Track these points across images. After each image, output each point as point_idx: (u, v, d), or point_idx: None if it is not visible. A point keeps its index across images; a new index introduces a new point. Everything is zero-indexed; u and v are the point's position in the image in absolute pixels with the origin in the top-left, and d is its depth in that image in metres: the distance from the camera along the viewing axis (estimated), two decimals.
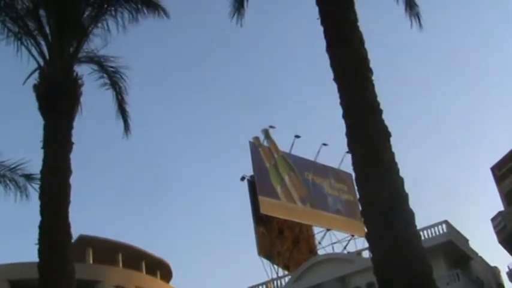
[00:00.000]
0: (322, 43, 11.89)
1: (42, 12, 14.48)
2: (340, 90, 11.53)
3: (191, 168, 73.29)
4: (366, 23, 12.17)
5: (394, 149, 10.94)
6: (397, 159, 10.85)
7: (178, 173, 71.38)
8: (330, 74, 11.67)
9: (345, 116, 11.26)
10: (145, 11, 15.33)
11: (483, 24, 69.14)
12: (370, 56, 11.75)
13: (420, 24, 14.36)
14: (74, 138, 13.58)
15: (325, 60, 11.79)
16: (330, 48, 11.68)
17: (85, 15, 14.75)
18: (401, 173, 10.74)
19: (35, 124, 13.65)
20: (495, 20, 69.69)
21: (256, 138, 41.01)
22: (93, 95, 15.71)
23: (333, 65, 11.62)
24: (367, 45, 11.87)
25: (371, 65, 11.68)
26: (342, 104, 11.41)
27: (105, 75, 15.67)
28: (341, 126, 11.31)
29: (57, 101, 13.48)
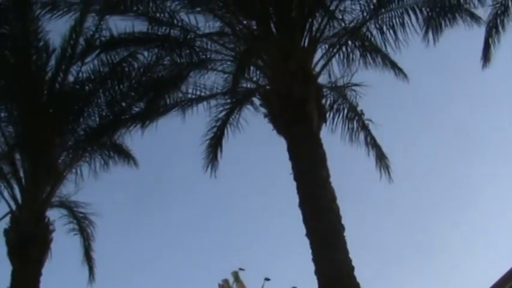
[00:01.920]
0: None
1: (17, 156, 14.62)
2: (312, 246, 11.54)
3: None
4: (338, 177, 12.43)
5: None
6: None
7: None
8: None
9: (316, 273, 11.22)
10: (116, 158, 15.77)
11: None
12: (343, 206, 11.90)
13: (390, 176, 14.93)
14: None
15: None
16: (302, 205, 11.77)
17: (60, 160, 14.87)
18: None
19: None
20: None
21: (226, 281, 40.27)
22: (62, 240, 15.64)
23: (305, 221, 11.68)
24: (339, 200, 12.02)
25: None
26: (313, 260, 11.38)
27: (74, 220, 15.75)
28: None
29: (28, 249, 13.36)
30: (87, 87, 14.80)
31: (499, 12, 13.33)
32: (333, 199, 11.93)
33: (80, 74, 14.64)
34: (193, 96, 14.15)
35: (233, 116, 14.60)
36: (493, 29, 13.52)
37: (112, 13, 13.74)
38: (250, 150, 19.49)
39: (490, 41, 13.61)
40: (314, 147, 12.16)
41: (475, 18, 13.36)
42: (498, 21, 13.43)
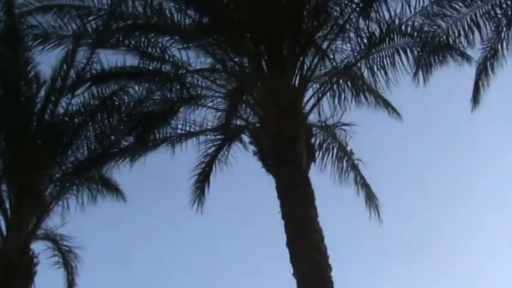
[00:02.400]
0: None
1: (3, 187, 14.52)
2: (299, 286, 11.47)
3: None
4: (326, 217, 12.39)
5: None
6: None
7: None
8: None
9: None
10: (104, 192, 15.71)
11: None
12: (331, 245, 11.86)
13: (379, 216, 14.90)
14: None
15: None
16: (290, 244, 11.71)
17: (47, 192, 14.76)
18: None
19: None
20: None
21: None
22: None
23: (292, 261, 11.60)
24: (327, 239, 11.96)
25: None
26: None
27: (59, 253, 15.61)
28: None
29: (11, 281, 13.22)
30: (76, 120, 14.74)
31: (488, 55, 13.45)
32: (320, 239, 11.87)
33: (70, 107, 14.61)
34: (183, 132, 14.14)
35: (222, 153, 14.61)
36: (482, 71, 13.63)
37: (103, 47, 13.78)
38: (239, 188, 19.42)
39: (480, 83, 13.71)
40: (302, 187, 12.12)
41: (465, 57, 13.45)
42: (488, 64, 13.54)
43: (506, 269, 24.02)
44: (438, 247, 22.97)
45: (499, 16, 13.07)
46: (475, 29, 13.02)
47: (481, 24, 13.00)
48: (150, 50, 13.48)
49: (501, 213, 23.16)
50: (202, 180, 14.97)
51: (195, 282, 24.13)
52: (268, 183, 12.60)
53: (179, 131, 14.14)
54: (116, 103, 14.33)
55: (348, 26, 12.92)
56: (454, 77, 13.95)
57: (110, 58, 13.87)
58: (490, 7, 12.92)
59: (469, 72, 13.69)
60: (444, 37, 12.98)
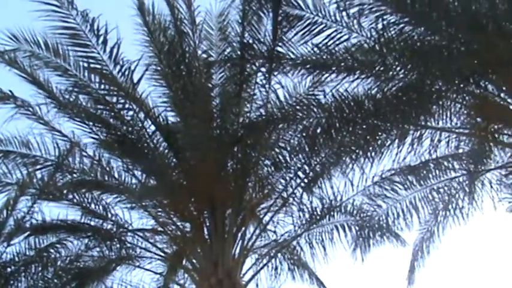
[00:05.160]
0: None
1: None
2: None
3: None
4: None
5: None
6: None
7: None
8: None
9: None
10: None
11: None
12: None
13: None
14: None
15: None
16: None
17: None
18: None
19: None
20: None
21: None
22: None
23: None
24: None
25: None
26: None
27: None
28: None
29: None
30: (9, 269, 14.33)
31: (425, 237, 13.83)
32: None
33: (4, 255, 14.25)
34: None
35: None
36: (418, 252, 13.97)
37: (47, 199, 13.69)
38: None
39: (415, 264, 14.02)
40: None
41: (401, 240, 13.81)
42: (424, 245, 13.91)
43: None
44: None
45: (436, 200, 13.57)
46: (413, 211, 13.46)
47: (419, 207, 13.46)
48: (93, 206, 13.44)
49: None
50: None
51: None
52: None
53: None
54: (52, 256, 14.04)
55: (291, 199, 13.20)
56: (391, 255, 14.20)
57: (52, 209, 13.77)
58: (428, 191, 13.41)
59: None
60: (383, 218, 13.36)
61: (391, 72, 11.62)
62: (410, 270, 14.09)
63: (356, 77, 11.64)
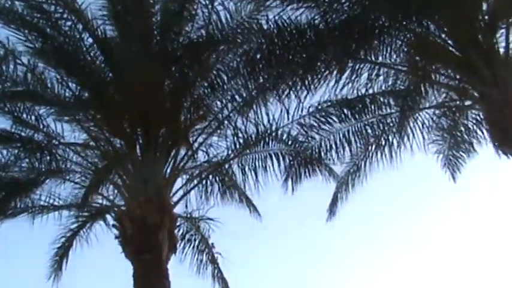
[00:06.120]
0: None
1: None
2: None
3: None
4: None
5: None
6: None
7: None
8: None
9: None
10: None
11: None
12: None
13: None
14: None
15: None
16: None
17: None
18: None
19: None
20: None
21: None
22: None
23: None
24: None
25: None
26: None
27: None
28: None
29: None
30: None
31: (351, 170, 14.02)
32: None
33: None
34: (46, 204, 13.72)
35: (84, 230, 14.27)
36: (343, 185, 14.17)
37: None
38: (97, 268, 18.88)
39: (339, 196, 14.23)
40: (160, 278, 12.08)
41: (333, 174, 13.94)
42: (349, 178, 14.11)
43: None
44: None
45: (370, 135, 13.73)
46: (346, 144, 13.59)
47: (352, 141, 13.59)
48: (25, 116, 13.14)
49: None
50: (61, 255, 14.51)
51: None
52: (126, 268, 12.47)
53: (42, 203, 13.70)
54: None
55: (226, 123, 13.19)
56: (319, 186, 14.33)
57: None
58: (362, 125, 13.55)
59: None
60: (316, 149, 13.46)
61: (336, 4, 11.65)
62: (332, 202, 14.26)
63: (300, 5, 11.62)
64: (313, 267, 22.69)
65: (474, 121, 13.97)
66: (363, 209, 17.61)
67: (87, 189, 12.60)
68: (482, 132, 13.81)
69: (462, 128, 14.29)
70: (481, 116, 13.34)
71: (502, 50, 11.38)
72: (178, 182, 13.25)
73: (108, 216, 13.78)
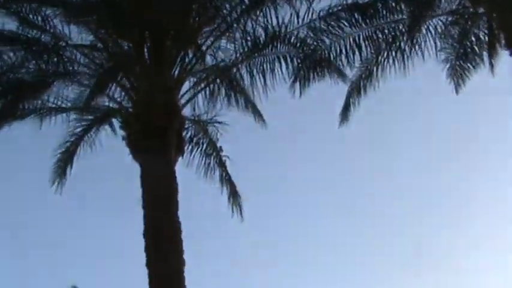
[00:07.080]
0: None
1: None
2: (150, 275, 11.67)
3: None
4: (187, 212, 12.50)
5: None
6: None
7: None
8: None
9: None
10: None
11: None
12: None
13: (241, 214, 14.95)
14: None
15: None
16: (146, 234, 11.80)
17: None
18: None
19: None
20: None
21: None
22: None
23: (146, 251, 11.74)
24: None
25: None
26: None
27: None
28: None
29: None
30: None
31: (363, 75, 13.88)
32: (176, 232, 11.98)
33: None
34: (54, 106, 13.73)
35: (90, 134, 14.27)
36: (355, 90, 14.05)
37: None
38: (103, 171, 19.09)
39: (351, 100, 14.12)
40: (167, 179, 12.22)
41: (342, 75, 13.75)
42: (361, 83, 13.97)
43: None
44: (298, 249, 23.40)
45: (380, 41, 13.55)
46: (356, 49, 13.42)
47: (363, 46, 13.42)
48: (31, 17, 12.97)
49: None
50: (65, 159, 14.57)
51: (46, 260, 23.47)
52: (133, 170, 12.60)
53: (50, 105, 13.70)
54: None
55: (235, 25, 13.02)
56: (328, 92, 14.23)
57: None
58: (372, 31, 13.36)
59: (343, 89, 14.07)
60: (326, 53, 13.30)
61: None
62: (344, 107, 14.15)
63: None
64: (320, 172, 22.85)
65: (486, 31, 13.79)
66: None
67: (91, 90, 12.58)
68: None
69: (473, 38, 14.09)
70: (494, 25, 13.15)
71: None
72: (186, 86, 13.22)
73: (114, 121, 13.80)
